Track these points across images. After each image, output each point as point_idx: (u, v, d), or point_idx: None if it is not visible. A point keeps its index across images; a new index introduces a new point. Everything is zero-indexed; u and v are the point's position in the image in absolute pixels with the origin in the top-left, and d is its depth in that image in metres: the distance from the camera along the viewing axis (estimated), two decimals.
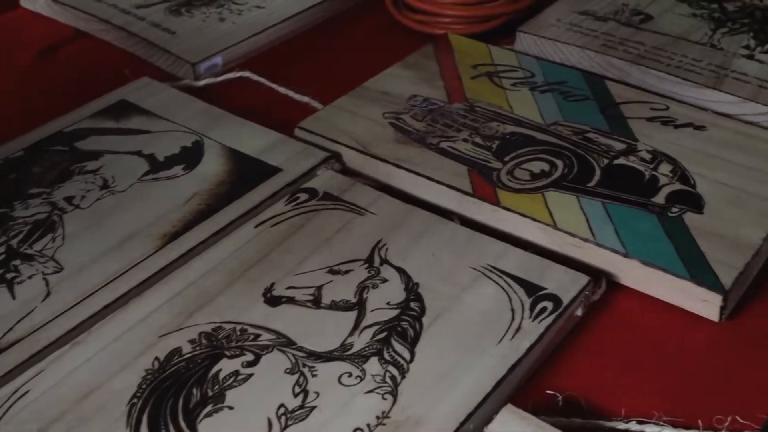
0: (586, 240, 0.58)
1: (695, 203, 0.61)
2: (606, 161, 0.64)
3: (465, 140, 0.67)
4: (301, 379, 0.49)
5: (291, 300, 0.54)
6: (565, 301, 0.53)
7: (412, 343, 0.51)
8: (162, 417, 0.47)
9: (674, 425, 0.49)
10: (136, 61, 0.82)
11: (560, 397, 0.50)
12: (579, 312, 0.55)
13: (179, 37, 0.81)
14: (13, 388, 0.49)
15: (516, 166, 0.64)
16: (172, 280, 0.56)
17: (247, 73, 0.79)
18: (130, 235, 0.59)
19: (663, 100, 0.71)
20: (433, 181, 0.63)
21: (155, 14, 0.85)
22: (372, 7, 0.90)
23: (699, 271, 0.55)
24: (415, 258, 0.57)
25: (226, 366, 0.50)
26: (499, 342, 0.51)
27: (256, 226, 0.59)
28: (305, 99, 0.75)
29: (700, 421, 0.49)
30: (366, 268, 0.56)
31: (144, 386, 0.49)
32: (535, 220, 0.59)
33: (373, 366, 0.50)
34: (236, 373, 0.50)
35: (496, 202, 0.61)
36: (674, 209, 0.60)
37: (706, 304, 0.55)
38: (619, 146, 0.66)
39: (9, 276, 0.56)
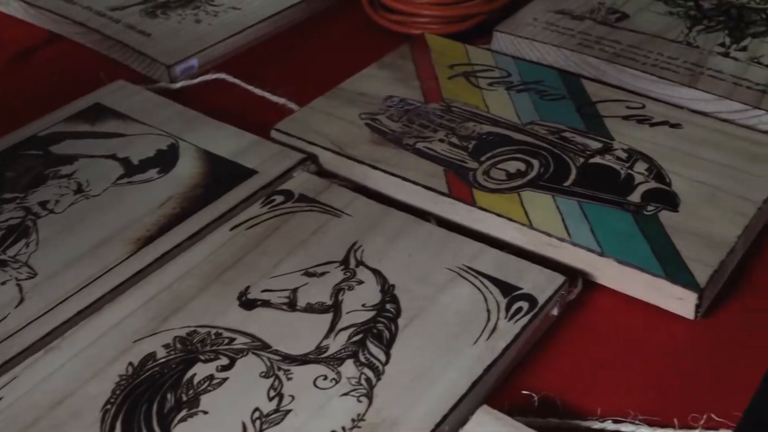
0: (561, 239, 0.58)
1: (671, 201, 0.61)
2: (582, 160, 0.64)
3: (441, 140, 0.67)
4: (276, 382, 0.49)
5: (266, 303, 0.54)
6: (541, 300, 0.53)
7: (387, 345, 0.51)
8: (136, 422, 0.47)
9: (650, 424, 0.49)
10: (112, 64, 0.81)
11: (536, 398, 0.50)
12: (555, 311, 0.55)
13: (155, 39, 0.81)
14: None
15: (492, 166, 0.64)
16: (147, 284, 0.55)
17: (223, 75, 0.79)
18: (104, 239, 0.59)
19: (639, 99, 0.72)
20: (409, 181, 0.63)
21: (130, 16, 0.84)
22: (348, 7, 0.90)
23: (674, 270, 0.55)
24: (391, 259, 0.57)
25: (200, 370, 0.50)
26: (475, 343, 0.51)
27: (232, 229, 0.59)
28: (281, 100, 0.75)
29: (675, 420, 0.49)
30: (342, 270, 0.56)
31: (118, 392, 0.49)
32: (511, 220, 0.59)
33: (348, 368, 0.50)
34: (211, 377, 0.49)
35: (472, 203, 0.61)
36: (650, 208, 0.60)
37: (681, 302, 0.55)
38: (595, 145, 0.66)
39: None
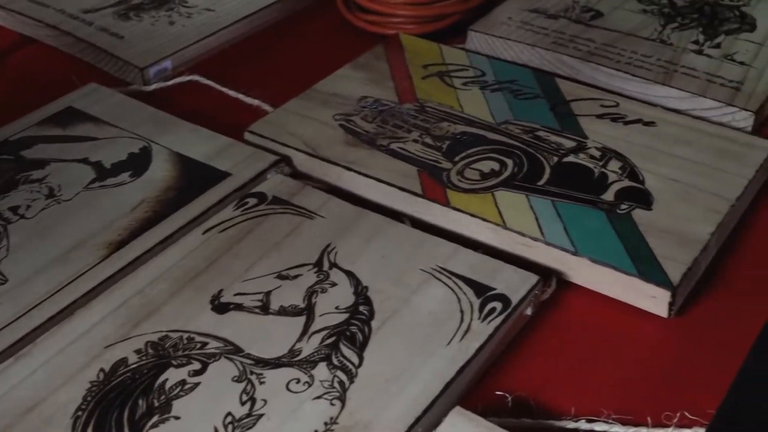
0: (535, 239, 0.58)
1: (644, 200, 0.61)
2: (556, 159, 0.64)
3: (415, 141, 0.67)
4: (249, 386, 0.49)
5: (239, 306, 0.54)
6: (514, 301, 0.53)
7: (360, 348, 0.51)
8: (107, 429, 0.47)
9: (623, 423, 0.49)
10: (85, 67, 0.81)
11: (509, 398, 0.50)
12: (529, 311, 0.55)
13: (127, 42, 0.80)
14: None
15: (466, 166, 0.64)
16: (118, 289, 0.55)
17: (197, 77, 0.78)
18: (75, 244, 0.58)
19: (613, 97, 0.72)
20: (383, 182, 0.63)
21: (103, 19, 0.84)
22: (323, 8, 0.89)
23: (647, 268, 0.55)
24: (365, 261, 0.57)
25: (172, 375, 0.49)
26: (448, 344, 0.51)
27: (204, 233, 0.59)
28: (256, 102, 0.75)
29: (649, 418, 0.49)
30: (315, 273, 0.56)
31: (89, 398, 0.48)
32: (484, 220, 0.59)
33: (321, 371, 0.49)
34: (183, 382, 0.49)
35: (445, 203, 0.61)
36: (623, 206, 0.60)
37: (654, 301, 0.55)
38: (569, 144, 0.66)
39: None
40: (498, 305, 0.53)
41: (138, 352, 0.51)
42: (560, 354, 0.53)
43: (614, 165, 0.64)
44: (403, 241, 0.58)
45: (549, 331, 0.55)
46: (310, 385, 0.49)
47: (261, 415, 0.47)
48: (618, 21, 0.82)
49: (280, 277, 0.56)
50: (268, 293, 0.54)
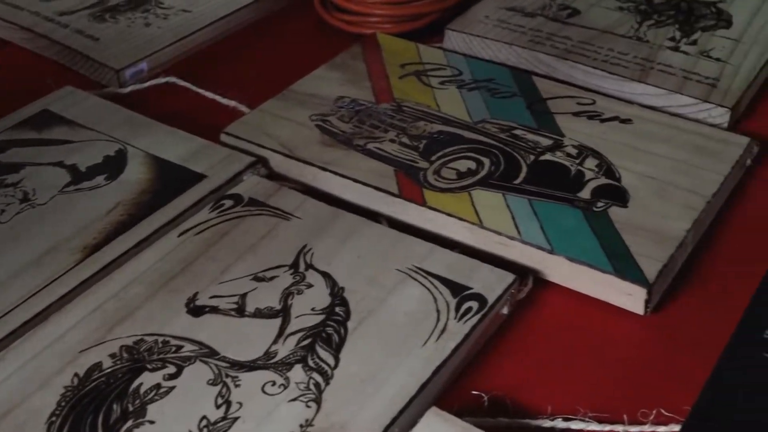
0: (512, 238, 0.58)
1: (620, 197, 0.61)
2: (532, 158, 0.64)
3: (392, 141, 0.66)
4: (224, 389, 0.48)
5: (214, 309, 0.53)
6: (491, 300, 0.53)
7: (336, 349, 0.51)
8: None
9: (600, 420, 0.49)
10: (61, 70, 0.80)
11: (486, 398, 0.50)
12: (505, 310, 0.55)
13: (103, 44, 0.80)
14: None
15: (443, 165, 0.64)
16: (93, 293, 0.54)
17: (173, 79, 0.78)
18: (50, 248, 0.58)
19: (590, 95, 0.72)
20: (359, 183, 0.63)
21: (79, 21, 0.83)
22: (300, 8, 0.89)
23: (623, 265, 0.55)
24: (341, 261, 0.56)
25: (147, 379, 0.49)
26: (424, 344, 0.51)
27: (180, 235, 0.59)
28: (232, 103, 0.75)
29: (625, 416, 0.49)
30: (291, 274, 0.56)
31: (63, 403, 0.48)
32: (461, 219, 0.59)
33: (297, 373, 0.49)
34: (158, 386, 0.49)
35: (422, 203, 0.61)
36: (599, 204, 0.60)
37: (631, 298, 0.55)
38: (546, 142, 0.66)
39: None
40: (474, 305, 0.53)
41: (112, 356, 0.50)
42: (537, 353, 0.53)
43: (591, 163, 0.64)
44: (379, 241, 0.58)
45: (526, 330, 0.55)
46: (285, 388, 0.48)
47: (236, 418, 0.47)
48: (595, 18, 0.82)
49: (256, 279, 0.55)
50: (243, 295, 0.54)
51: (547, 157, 0.65)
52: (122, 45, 0.80)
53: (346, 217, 0.60)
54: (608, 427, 0.48)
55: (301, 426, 0.46)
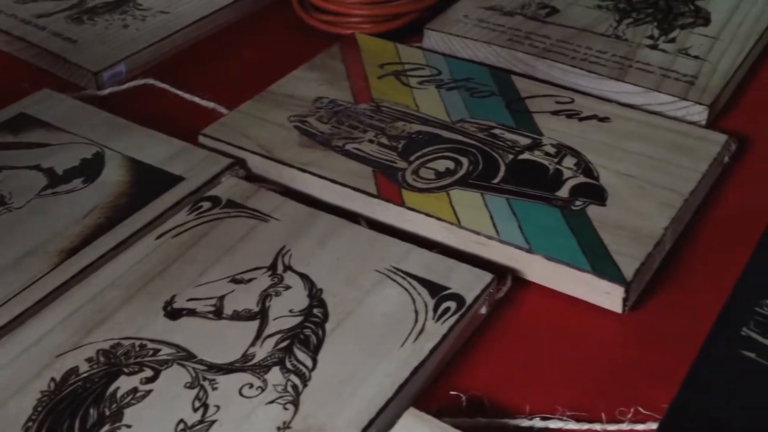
0: (490, 237, 0.58)
1: (598, 196, 0.61)
2: (511, 157, 0.64)
3: (371, 141, 0.66)
4: (201, 393, 0.48)
5: (192, 312, 0.53)
6: (469, 300, 0.53)
7: (314, 351, 0.50)
8: None
9: (578, 419, 0.49)
10: (39, 73, 0.80)
11: (464, 398, 0.50)
12: (483, 310, 0.55)
13: (80, 46, 0.79)
14: None
15: (421, 165, 0.64)
16: (69, 297, 0.54)
17: (151, 80, 0.77)
18: (26, 253, 0.57)
19: (568, 93, 0.72)
20: (338, 183, 0.62)
21: (56, 23, 0.83)
22: (279, 9, 0.89)
23: (601, 264, 0.55)
24: (319, 263, 0.56)
25: (124, 383, 0.49)
26: (402, 345, 0.51)
27: (157, 238, 0.58)
28: (211, 105, 0.74)
29: (603, 414, 0.49)
30: (269, 276, 0.55)
31: (40, 408, 0.48)
32: (439, 219, 0.59)
33: (274, 376, 0.49)
34: (135, 390, 0.48)
35: (400, 203, 0.61)
36: (578, 202, 0.60)
37: (608, 297, 0.55)
38: (524, 141, 0.66)
39: None
40: (452, 305, 0.53)
41: (89, 360, 0.50)
42: (515, 352, 0.53)
43: (569, 161, 0.64)
44: (357, 242, 0.58)
45: (504, 329, 0.55)
46: (263, 390, 0.48)
47: (213, 422, 0.47)
48: (573, 17, 0.82)
49: (234, 281, 0.55)
50: (221, 298, 0.54)
51: (526, 156, 0.65)
52: (100, 47, 0.79)
53: (324, 218, 0.60)
54: (586, 426, 0.49)
55: (279, 428, 0.46)
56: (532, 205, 0.60)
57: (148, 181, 0.63)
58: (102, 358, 0.50)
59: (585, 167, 0.63)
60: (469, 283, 0.54)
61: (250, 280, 0.55)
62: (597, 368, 0.52)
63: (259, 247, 0.58)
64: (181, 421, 0.47)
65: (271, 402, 0.48)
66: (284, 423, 0.47)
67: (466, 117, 0.69)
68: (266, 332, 0.52)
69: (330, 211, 0.61)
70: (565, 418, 0.49)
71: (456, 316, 0.52)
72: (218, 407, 0.47)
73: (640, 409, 0.49)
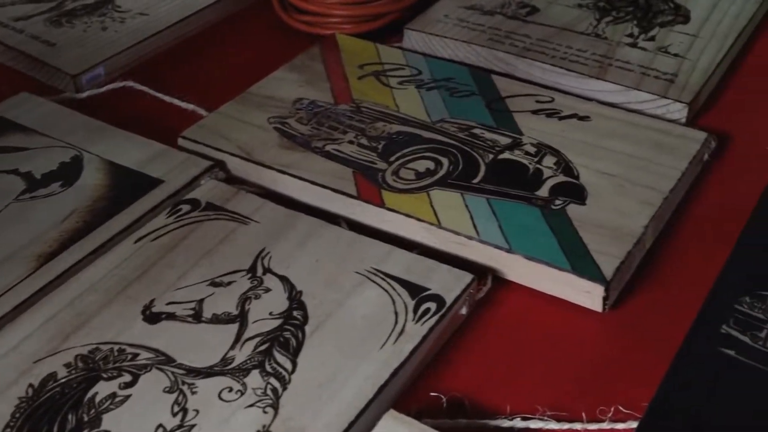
0: (470, 237, 0.58)
1: (578, 195, 0.61)
2: (491, 156, 0.64)
3: (351, 142, 0.66)
4: (181, 397, 0.48)
5: (171, 316, 0.53)
6: (449, 300, 0.53)
7: (294, 353, 0.50)
8: None
9: (558, 419, 0.49)
10: (17, 76, 0.79)
11: (444, 399, 0.50)
12: (464, 311, 0.55)
13: (59, 49, 0.79)
14: None
15: (401, 166, 0.64)
16: (48, 302, 0.54)
17: (130, 83, 0.77)
18: (4, 258, 0.57)
19: (548, 92, 0.72)
20: (318, 185, 0.62)
21: (34, 26, 0.82)
22: (259, 9, 0.89)
23: (581, 263, 0.55)
24: (299, 265, 0.56)
25: (102, 389, 0.49)
26: (382, 347, 0.50)
27: (136, 242, 0.58)
28: (191, 107, 0.74)
29: (584, 414, 0.49)
30: (248, 279, 0.55)
31: (17, 415, 0.47)
32: (419, 220, 0.59)
33: (254, 379, 0.49)
34: (113, 395, 0.48)
35: (380, 204, 0.60)
36: (557, 202, 0.60)
37: (589, 296, 0.55)
38: (505, 140, 0.66)
39: None
40: (432, 305, 0.53)
41: (67, 365, 0.50)
42: (495, 352, 0.53)
43: (549, 161, 0.64)
44: (337, 243, 0.58)
45: (484, 329, 0.55)
46: (242, 394, 0.48)
47: (193, 426, 0.47)
48: (554, 16, 0.82)
49: (214, 284, 0.55)
50: (200, 301, 0.54)
51: (506, 155, 0.65)
52: (79, 50, 0.79)
53: (304, 219, 0.60)
54: (567, 426, 0.49)
55: None
56: (512, 205, 0.60)
57: (126, 185, 0.63)
58: (80, 364, 0.50)
59: (565, 166, 0.63)
60: (449, 283, 0.54)
61: (229, 283, 0.55)
62: (577, 368, 0.52)
63: (238, 250, 0.57)
64: (160, 425, 0.47)
65: (251, 405, 0.47)
66: (264, 426, 0.46)
67: (446, 117, 0.69)
68: (245, 335, 0.51)
69: (310, 212, 0.61)
70: (545, 417, 0.49)
71: (436, 317, 0.52)
72: (197, 411, 0.47)
73: (621, 408, 0.49)
